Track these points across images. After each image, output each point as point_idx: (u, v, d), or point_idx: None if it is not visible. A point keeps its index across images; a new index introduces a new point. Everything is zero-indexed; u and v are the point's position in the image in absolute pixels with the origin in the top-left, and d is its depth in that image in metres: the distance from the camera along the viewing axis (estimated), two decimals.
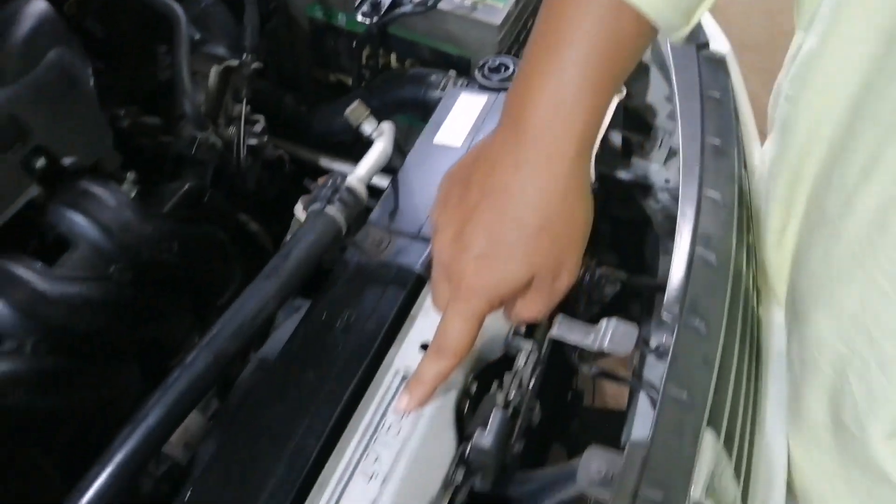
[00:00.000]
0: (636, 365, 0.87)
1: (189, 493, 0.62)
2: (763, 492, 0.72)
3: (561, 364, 0.87)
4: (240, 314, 0.66)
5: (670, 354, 0.71)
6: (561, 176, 0.56)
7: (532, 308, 0.62)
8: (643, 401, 0.74)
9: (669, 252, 0.98)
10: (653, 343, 0.82)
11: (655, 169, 1.09)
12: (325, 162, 1.08)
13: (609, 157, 1.09)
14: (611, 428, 0.76)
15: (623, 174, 1.09)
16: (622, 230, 1.16)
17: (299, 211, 0.93)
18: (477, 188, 0.58)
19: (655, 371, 0.75)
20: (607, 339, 0.71)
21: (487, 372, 0.74)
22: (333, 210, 0.72)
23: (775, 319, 0.86)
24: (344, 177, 0.75)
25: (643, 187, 1.11)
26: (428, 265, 0.73)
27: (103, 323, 0.75)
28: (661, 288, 0.82)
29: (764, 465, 0.74)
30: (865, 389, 0.65)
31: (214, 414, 0.87)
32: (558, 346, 0.81)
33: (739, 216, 0.83)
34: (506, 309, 0.64)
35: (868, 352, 0.64)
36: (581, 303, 0.91)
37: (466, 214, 0.58)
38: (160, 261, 0.79)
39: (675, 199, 1.04)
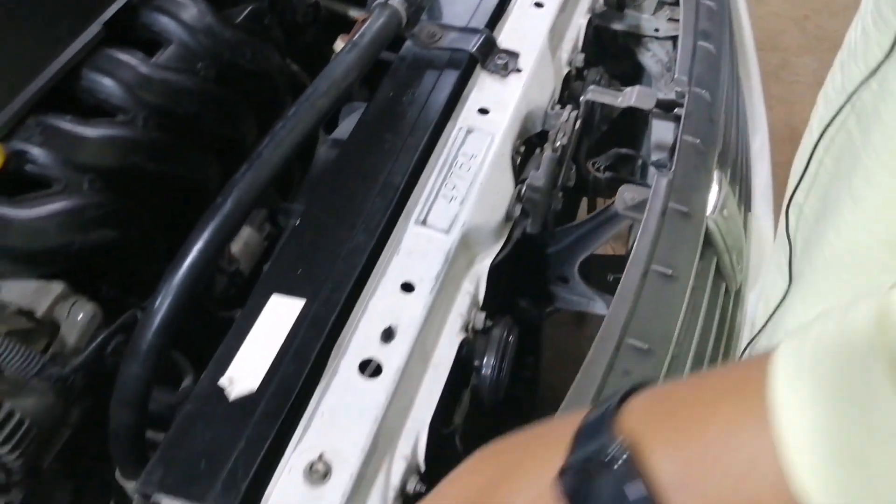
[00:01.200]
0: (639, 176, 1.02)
1: (298, 220, 0.74)
2: (756, 220, 0.88)
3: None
4: (330, 76, 0.77)
5: (683, 114, 0.85)
6: None
7: None
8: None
9: (661, 89, 1.13)
10: (654, 156, 0.96)
11: (646, 18, 1.23)
12: (354, 13, 1.19)
13: (606, 10, 1.22)
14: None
15: (617, 25, 1.23)
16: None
17: (339, 45, 1.05)
18: None
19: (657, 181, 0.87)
20: (633, 97, 0.85)
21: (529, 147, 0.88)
22: (396, 3, 0.84)
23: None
24: None
25: (635, 37, 1.25)
26: (479, 47, 0.85)
27: (194, 110, 0.86)
28: (661, 104, 0.93)
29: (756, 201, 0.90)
30: None
31: (268, 235, 0.99)
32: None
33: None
34: None
35: None
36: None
37: None
38: (237, 64, 0.90)
39: (663, 47, 1.18)
